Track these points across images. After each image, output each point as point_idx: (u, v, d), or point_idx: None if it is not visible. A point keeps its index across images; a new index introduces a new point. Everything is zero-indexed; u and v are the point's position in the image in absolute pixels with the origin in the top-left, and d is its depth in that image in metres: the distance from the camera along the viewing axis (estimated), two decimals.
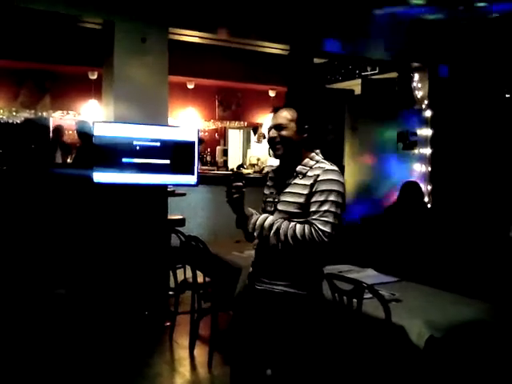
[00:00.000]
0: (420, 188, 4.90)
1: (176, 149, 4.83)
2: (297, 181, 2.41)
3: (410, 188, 4.82)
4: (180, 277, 4.57)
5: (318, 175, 2.36)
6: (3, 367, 3.82)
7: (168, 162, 4.77)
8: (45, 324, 4.67)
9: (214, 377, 3.88)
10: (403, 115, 6.44)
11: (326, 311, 2.64)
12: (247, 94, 9.91)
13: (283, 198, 2.43)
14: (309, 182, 2.37)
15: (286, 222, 2.35)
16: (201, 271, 4.21)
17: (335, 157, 6.15)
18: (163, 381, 3.88)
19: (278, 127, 2.46)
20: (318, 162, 2.43)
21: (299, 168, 2.43)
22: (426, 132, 6.51)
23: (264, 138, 10.34)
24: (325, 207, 2.30)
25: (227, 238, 4.76)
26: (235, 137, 11.16)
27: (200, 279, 4.19)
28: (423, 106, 6.56)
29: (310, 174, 2.39)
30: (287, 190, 2.42)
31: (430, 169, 6.44)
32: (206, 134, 10.12)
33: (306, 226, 2.29)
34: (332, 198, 2.31)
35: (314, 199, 2.34)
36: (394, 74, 7.04)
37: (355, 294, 2.70)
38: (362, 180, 6.17)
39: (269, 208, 2.49)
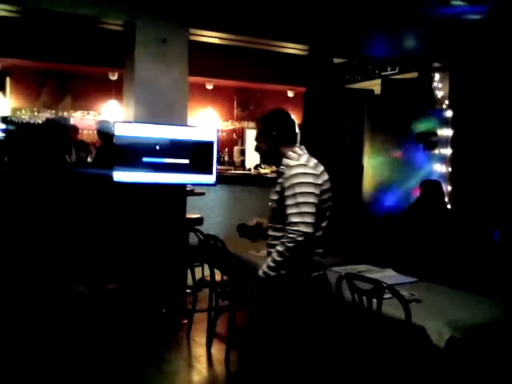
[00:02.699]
0: (441, 188, 4.86)
1: (195, 149, 4.86)
2: (279, 180, 2.64)
3: (430, 186, 4.78)
4: (198, 275, 4.59)
5: (285, 173, 2.57)
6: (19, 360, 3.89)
7: (187, 161, 4.80)
8: (63, 321, 4.73)
9: (230, 374, 3.90)
10: (424, 115, 6.38)
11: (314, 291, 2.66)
12: (265, 94, 9.92)
13: (270, 197, 2.69)
14: (281, 180, 2.59)
15: (269, 257, 2.55)
16: (218, 269, 4.23)
17: (355, 157, 6.13)
18: (181, 377, 3.91)
19: (255, 140, 2.83)
20: (292, 159, 2.62)
21: (280, 168, 2.67)
22: (446, 132, 6.45)
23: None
24: (291, 210, 2.46)
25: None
26: (253, 137, 11.15)
27: (218, 277, 4.21)
28: (444, 107, 6.50)
29: (284, 171, 2.60)
30: (274, 189, 2.67)
31: (450, 169, 6.37)
32: (225, 134, 10.15)
33: (279, 245, 2.48)
34: (297, 190, 2.46)
35: (285, 201, 2.51)
36: (414, 74, 6.98)
37: (375, 294, 2.69)
38: (381, 180, 6.12)
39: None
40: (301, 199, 2.45)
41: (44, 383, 3.65)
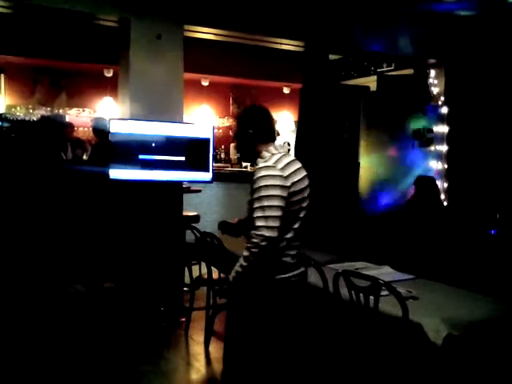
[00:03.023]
0: (436, 184, 4.87)
1: (191, 146, 4.84)
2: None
3: (426, 183, 4.78)
4: (195, 273, 4.59)
5: (255, 174, 2.51)
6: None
7: (183, 158, 4.79)
8: (61, 319, 4.72)
9: (228, 372, 3.88)
10: (419, 112, 6.38)
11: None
12: (261, 90, 9.91)
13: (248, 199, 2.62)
14: (252, 181, 2.53)
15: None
16: (216, 267, 4.22)
17: (350, 154, 6.13)
18: (179, 375, 3.91)
19: (234, 138, 2.87)
20: (263, 159, 2.57)
21: (254, 168, 2.64)
22: (442, 129, 6.45)
23: (278, 134, 10.32)
24: (257, 213, 2.42)
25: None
26: None
27: (215, 275, 4.20)
28: (439, 103, 6.50)
29: (254, 173, 2.54)
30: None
31: (446, 166, 6.38)
32: (221, 131, 10.13)
33: (244, 249, 2.47)
34: (262, 193, 2.41)
35: (253, 204, 2.47)
36: (409, 71, 6.98)
37: (372, 291, 2.69)
38: (378, 177, 6.13)
39: None
40: (266, 202, 2.39)
41: (42, 381, 3.64)
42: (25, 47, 7.13)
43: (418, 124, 6.35)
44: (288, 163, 2.53)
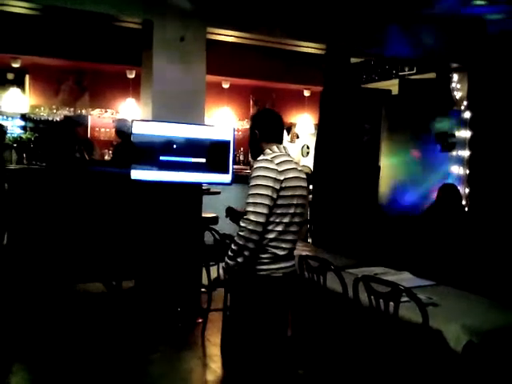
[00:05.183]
0: (458, 191, 4.80)
1: (212, 148, 4.87)
2: None
3: (448, 190, 4.73)
4: (213, 274, 4.60)
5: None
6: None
7: (204, 160, 4.81)
8: (80, 318, 4.77)
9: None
10: (442, 116, 6.31)
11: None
12: (282, 93, 9.89)
13: None
14: None
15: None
16: None
17: (371, 157, 6.09)
18: (195, 376, 3.92)
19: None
20: (264, 155, 2.77)
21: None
22: (464, 134, 6.38)
23: (297, 137, 10.31)
24: (248, 199, 2.64)
25: None
26: None
27: None
28: (462, 108, 6.43)
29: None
30: None
31: (468, 171, 6.30)
32: (240, 133, 10.14)
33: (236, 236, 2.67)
34: (255, 182, 2.63)
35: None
36: (432, 75, 6.92)
37: (392, 296, 2.67)
38: (398, 181, 6.08)
39: None
40: (257, 190, 2.61)
41: (58, 379, 3.69)
42: (49, 48, 7.24)
43: (440, 128, 6.28)
44: (285, 161, 2.73)
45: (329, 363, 3.06)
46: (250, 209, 2.61)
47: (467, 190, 6.27)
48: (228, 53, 7.17)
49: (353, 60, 6.66)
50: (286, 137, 10.67)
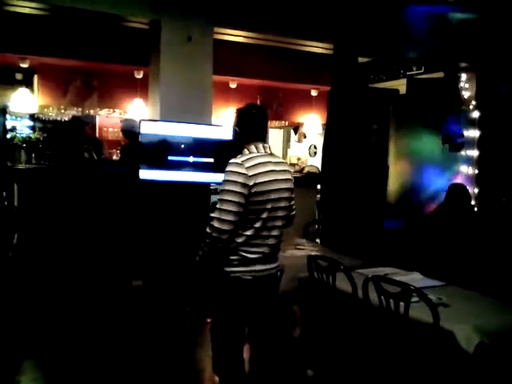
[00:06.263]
0: (467, 191, 4.78)
1: (219, 147, 4.87)
2: None
3: (457, 190, 4.71)
4: None
5: None
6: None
7: (212, 160, 4.82)
8: (89, 317, 4.79)
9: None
10: (450, 116, 6.28)
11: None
12: (289, 93, 9.88)
13: None
14: None
15: None
16: None
17: (379, 157, 6.07)
18: (206, 376, 3.92)
19: None
20: (240, 156, 2.65)
21: None
22: (473, 133, 6.34)
23: (305, 137, 10.30)
24: (216, 205, 2.56)
25: None
26: (276, 136, 11.15)
27: None
28: (471, 107, 6.40)
29: None
30: None
31: (476, 171, 6.27)
32: None
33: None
34: (223, 187, 2.55)
35: None
36: (440, 74, 6.88)
37: (402, 297, 2.66)
38: (407, 181, 6.06)
39: None
40: (224, 196, 2.53)
41: (66, 378, 3.71)
42: (57, 48, 7.26)
43: (448, 128, 6.25)
44: (259, 164, 2.60)
45: (339, 363, 3.05)
46: (216, 215, 2.53)
47: (476, 190, 6.24)
48: (235, 53, 7.17)
49: (360, 59, 6.64)
50: (293, 136, 10.67)
